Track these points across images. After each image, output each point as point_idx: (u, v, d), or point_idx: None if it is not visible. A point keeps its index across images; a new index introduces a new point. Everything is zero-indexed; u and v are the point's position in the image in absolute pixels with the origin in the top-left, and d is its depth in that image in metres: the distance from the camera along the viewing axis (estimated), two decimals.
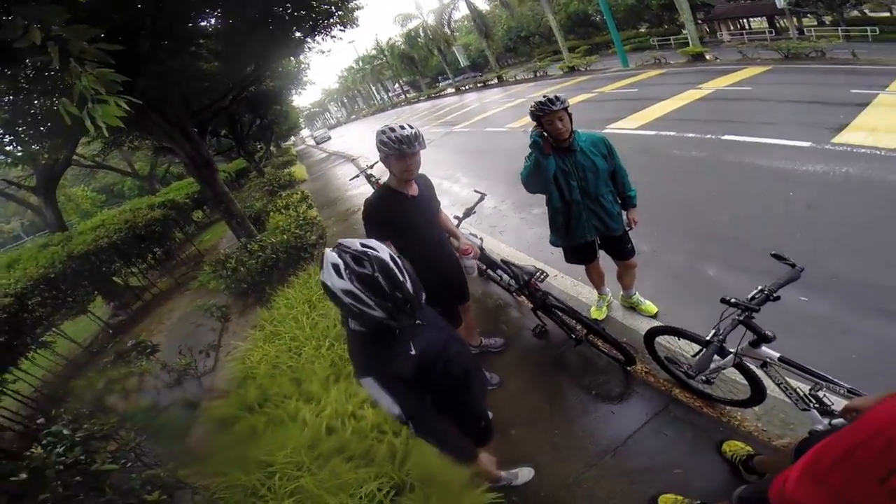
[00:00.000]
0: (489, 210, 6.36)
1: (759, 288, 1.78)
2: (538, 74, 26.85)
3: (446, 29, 41.75)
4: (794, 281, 1.79)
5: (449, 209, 3.75)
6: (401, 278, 1.24)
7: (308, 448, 2.50)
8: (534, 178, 2.67)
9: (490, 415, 2.08)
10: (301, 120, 39.20)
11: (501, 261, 3.24)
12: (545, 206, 2.95)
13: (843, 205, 4.24)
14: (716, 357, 1.95)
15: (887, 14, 23.39)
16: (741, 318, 1.73)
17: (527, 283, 2.90)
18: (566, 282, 3.99)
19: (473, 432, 1.92)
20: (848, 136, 5.95)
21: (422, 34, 44.59)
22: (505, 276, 3.16)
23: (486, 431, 1.99)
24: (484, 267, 3.59)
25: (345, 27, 6.81)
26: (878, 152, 5.30)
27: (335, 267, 1.22)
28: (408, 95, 57.36)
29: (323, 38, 6.83)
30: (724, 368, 2.08)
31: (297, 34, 6.30)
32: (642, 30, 34.42)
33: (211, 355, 4.32)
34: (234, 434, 2.86)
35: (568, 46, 29.68)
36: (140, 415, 2.51)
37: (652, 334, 2.49)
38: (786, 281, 1.79)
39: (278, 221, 6.71)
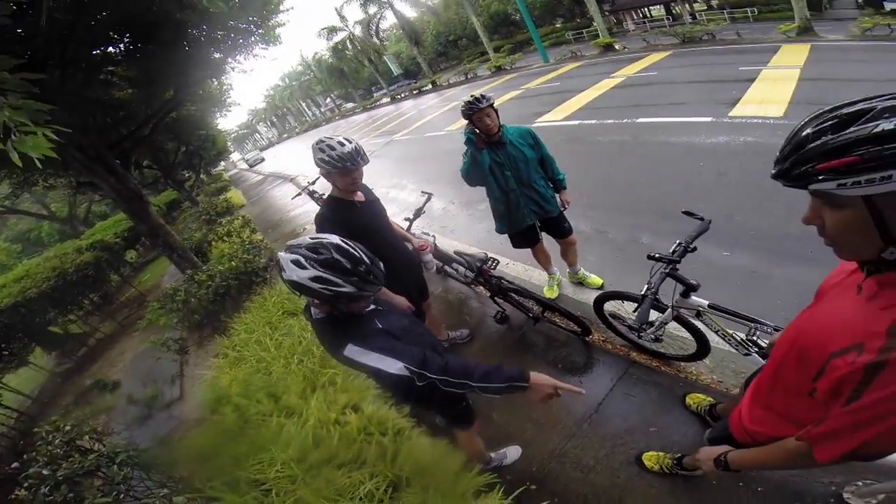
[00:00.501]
0: (438, 211, 6.53)
1: (678, 242, 2.03)
2: (469, 76, 27.58)
3: (375, 39, 41.38)
4: (704, 232, 2.07)
5: (399, 215, 3.88)
6: (357, 254, 1.36)
7: (298, 461, 2.50)
8: (472, 173, 2.89)
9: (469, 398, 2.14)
10: (229, 143, 37.49)
11: (455, 252, 3.39)
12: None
13: (747, 169, 4.82)
14: (658, 313, 2.21)
15: None
16: (667, 271, 1.98)
17: (480, 270, 3.07)
18: (518, 267, 4.22)
19: (455, 415, 2.01)
20: (741, 110, 6.75)
21: (349, 46, 44.03)
22: (461, 269, 3.31)
23: (467, 412, 2.04)
24: (441, 264, 3.73)
25: (267, 45, 6.68)
26: (768, 121, 6.06)
27: (295, 262, 1.31)
28: (341, 109, 56.44)
29: (244, 58, 6.64)
30: (666, 323, 2.33)
31: (217, 55, 6.11)
32: (558, 25, 36.13)
33: (176, 382, 4.14)
34: (219, 459, 2.78)
35: (493, 47, 30.63)
36: (121, 451, 2.40)
37: (599, 302, 2.74)
38: (698, 233, 2.06)
39: (223, 249, 6.48)
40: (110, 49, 5.61)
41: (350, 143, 2.04)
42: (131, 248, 13.01)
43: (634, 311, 2.15)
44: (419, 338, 1.70)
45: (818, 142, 0.75)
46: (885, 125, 0.67)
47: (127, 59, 5.77)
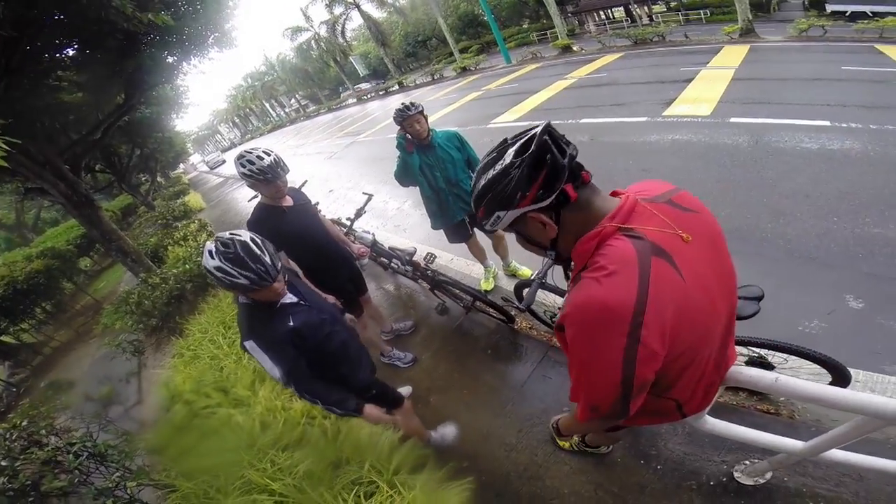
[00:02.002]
0: (393, 211, 6.76)
1: None
2: (435, 77, 27.70)
3: (341, 39, 40.80)
4: None
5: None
6: (258, 253, 1.51)
7: (247, 447, 2.66)
8: (403, 174, 3.18)
9: (386, 386, 2.27)
10: (189, 145, 36.29)
11: (389, 247, 3.65)
12: None
13: (668, 165, 5.29)
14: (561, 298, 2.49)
15: None
16: (554, 259, 2.28)
17: (412, 263, 3.33)
18: (461, 262, 4.52)
19: (374, 400, 2.14)
20: (675, 109, 7.26)
21: (315, 46, 43.37)
22: (401, 265, 3.57)
23: (382, 398, 2.18)
24: (387, 261, 3.97)
25: (222, 49, 6.69)
26: (697, 119, 6.59)
27: (209, 251, 1.50)
28: (306, 109, 55.52)
29: (199, 61, 6.61)
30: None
31: (170, 59, 6.08)
32: (525, 26, 36.77)
33: (131, 382, 4.22)
34: (171, 450, 2.94)
35: (461, 48, 30.92)
36: (77, 442, 2.54)
37: (518, 289, 3.03)
38: None
39: (178, 254, 6.51)
40: (57, 55, 5.54)
41: (269, 155, 2.22)
42: (85, 256, 12.65)
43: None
44: (328, 337, 1.87)
45: (471, 196, 1.02)
46: (482, 181, 0.94)
47: (75, 65, 5.71)
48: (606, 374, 0.89)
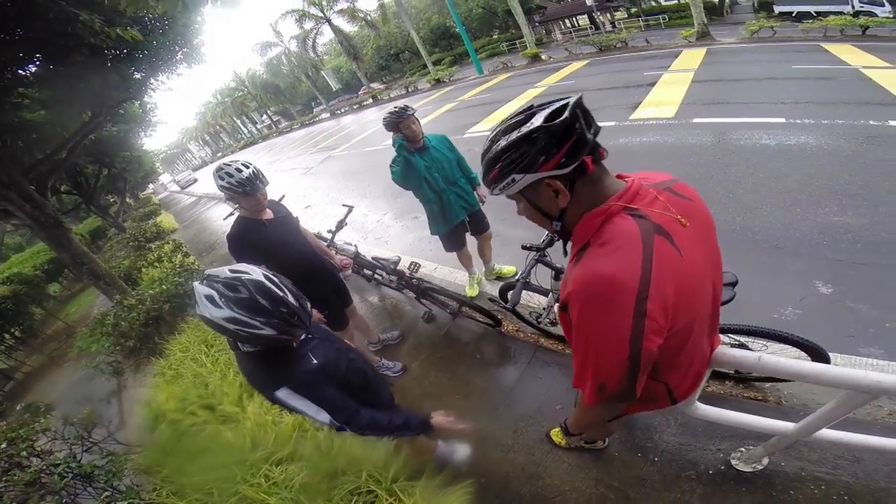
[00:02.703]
0: (373, 224, 6.74)
1: (546, 233, 2.33)
2: (409, 89, 27.90)
3: (312, 54, 40.64)
4: None
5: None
6: (280, 293, 1.24)
7: (238, 462, 2.57)
8: (405, 176, 3.10)
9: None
10: (158, 165, 35.33)
11: (372, 258, 3.64)
12: (421, 212, 3.41)
13: (636, 166, 5.25)
14: (545, 298, 2.53)
15: (675, 1, 28.06)
16: (537, 258, 2.33)
17: (396, 272, 3.34)
18: (444, 270, 4.55)
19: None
20: (641, 113, 7.53)
21: (285, 61, 43.08)
22: (385, 275, 3.56)
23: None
24: (371, 272, 3.96)
25: (191, 65, 6.60)
26: (662, 122, 6.85)
27: (209, 298, 1.18)
28: (279, 125, 54.89)
29: (167, 77, 6.51)
30: (552, 306, 2.64)
31: (138, 75, 5.97)
32: (495, 36, 37.43)
33: (112, 403, 4.05)
34: (161, 470, 2.83)
35: (434, 59, 31.23)
36: (61, 462, 2.43)
37: (503, 292, 3.06)
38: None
39: (153, 275, 6.32)
40: (19, 72, 5.37)
41: (248, 167, 2.18)
42: (54, 281, 12.15)
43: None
44: (349, 368, 1.68)
45: (484, 159, 1.01)
46: (501, 142, 0.94)
47: (39, 82, 5.54)
48: (614, 349, 0.90)
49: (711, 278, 1.06)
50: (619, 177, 1.04)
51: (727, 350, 1.16)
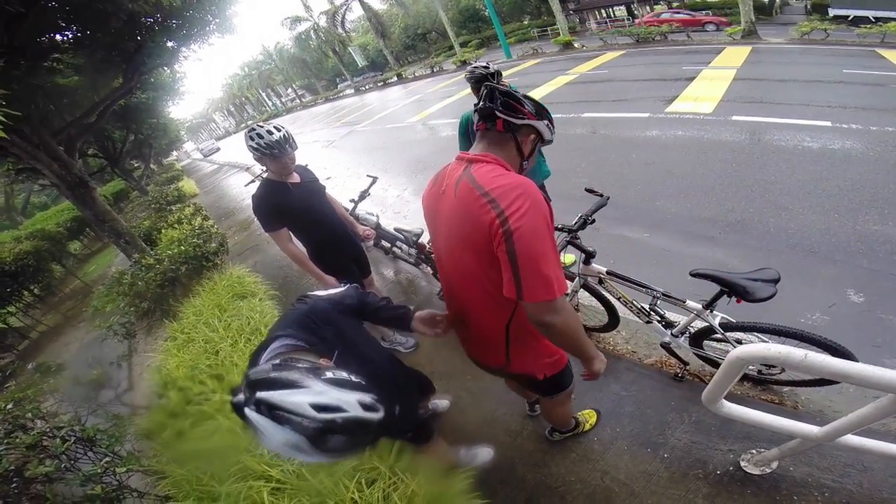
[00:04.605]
0: (393, 198, 6.72)
1: (579, 215, 2.29)
2: (435, 70, 27.66)
3: (340, 30, 40.40)
4: (603, 206, 2.35)
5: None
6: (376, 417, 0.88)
7: (244, 429, 2.58)
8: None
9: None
10: (183, 133, 35.79)
11: (394, 229, 3.60)
12: None
13: (671, 160, 5.28)
14: (569, 283, 2.47)
15: None
16: (568, 240, 2.26)
17: (418, 245, 3.29)
18: None
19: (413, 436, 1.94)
20: (677, 106, 7.28)
21: (313, 37, 42.87)
22: (405, 247, 3.52)
23: (425, 430, 1.98)
24: (389, 245, 3.92)
25: (223, 35, 6.60)
26: (699, 116, 6.60)
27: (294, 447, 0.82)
28: (303, 100, 55.01)
29: (199, 47, 6.54)
30: (577, 291, 2.59)
31: (170, 44, 6.01)
32: (525, 22, 36.67)
33: (122, 366, 4.12)
34: (164, 435, 2.86)
35: (461, 42, 30.71)
36: (64, 426, 2.45)
37: None
38: (597, 207, 2.34)
39: (172, 236, 6.39)
40: (57, 37, 5.41)
41: (279, 131, 2.19)
42: (75, 239, 12.48)
43: None
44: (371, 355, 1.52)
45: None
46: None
47: (75, 48, 5.59)
48: (552, 238, 1.13)
49: None
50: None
51: (772, 346, 1.08)
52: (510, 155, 1.28)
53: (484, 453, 2.44)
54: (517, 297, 1.09)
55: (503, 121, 1.24)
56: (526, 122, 1.26)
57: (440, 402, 2.66)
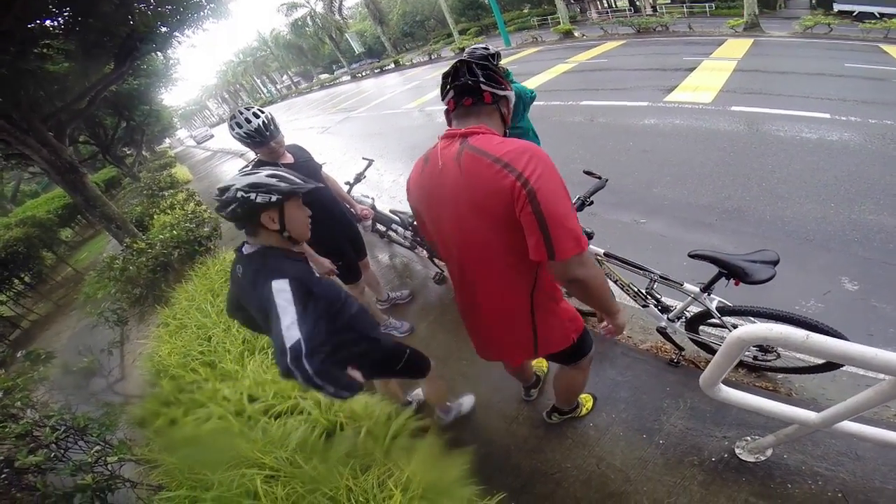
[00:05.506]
0: (389, 183, 6.70)
1: (577, 196, 2.25)
2: (433, 57, 27.43)
3: (337, 16, 39.82)
4: (601, 189, 2.32)
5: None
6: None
7: (236, 415, 2.54)
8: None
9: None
10: (176, 120, 35.26)
11: (391, 211, 3.55)
12: None
13: (669, 148, 5.26)
14: None
15: None
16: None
17: (413, 227, 3.25)
18: None
19: (398, 373, 2.02)
20: (676, 96, 7.24)
21: (310, 23, 42.19)
22: (400, 230, 3.47)
23: (413, 365, 2.05)
24: (384, 228, 3.87)
25: (217, 20, 6.46)
26: (698, 106, 6.57)
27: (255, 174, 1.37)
28: (299, 86, 54.33)
29: (193, 32, 6.41)
30: None
31: (163, 29, 5.88)
32: (525, 10, 36.23)
33: (114, 353, 4.07)
34: (156, 423, 2.84)
35: (460, 29, 30.35)
36: (55, 414, 2.41)
37: None
38: (595, 189, 2.30)
39: (165, 221, 6.31)
40: (48, 22, 5.27)
41: (258, 117, 2.13)
42: (67, 226, 12.32)
43: None
44: (349, 299, 1.67)
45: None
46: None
47: (66, 33, 5.46)
48: (569, 195, 1.13)
49: None
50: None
51: (773, 326, 1.06)
52: (498, 125, 1.28)
53: (468, 401, 2.54)
54: (548, 258, 1.08)
55: (490, 93, 1.22)
56: (506, 92, 1.26)
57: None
